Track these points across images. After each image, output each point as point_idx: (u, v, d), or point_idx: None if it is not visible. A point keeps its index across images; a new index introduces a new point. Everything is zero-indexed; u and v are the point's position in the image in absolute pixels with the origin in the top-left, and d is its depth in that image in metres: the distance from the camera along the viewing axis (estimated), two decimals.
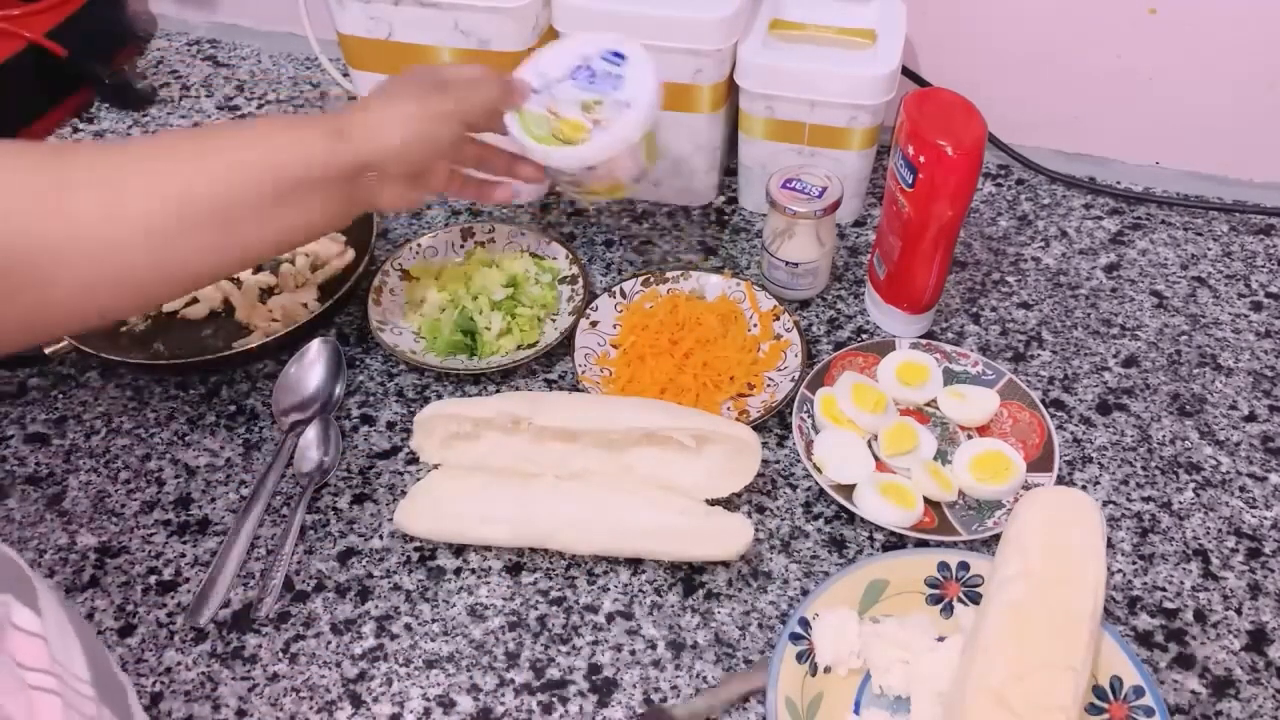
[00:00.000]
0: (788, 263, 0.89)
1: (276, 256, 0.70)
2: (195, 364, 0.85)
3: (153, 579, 0.74)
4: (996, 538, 0.72)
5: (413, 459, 0.81)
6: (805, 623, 0.67)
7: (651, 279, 0.91)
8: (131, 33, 1.25)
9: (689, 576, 0.73)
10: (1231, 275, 0.95)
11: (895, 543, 0.75)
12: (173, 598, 0.73)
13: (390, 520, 0.77)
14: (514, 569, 0.74)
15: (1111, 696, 0.64)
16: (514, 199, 0.86)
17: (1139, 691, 0.64)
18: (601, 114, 0.76)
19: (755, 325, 0.88)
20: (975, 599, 0.70)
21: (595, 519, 0.72)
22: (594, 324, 0.88)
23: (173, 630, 0.71)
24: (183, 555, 0.75)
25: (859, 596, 0.70)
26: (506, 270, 0.90)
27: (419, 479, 0.77)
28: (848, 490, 0.76)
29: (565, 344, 0.86)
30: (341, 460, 0.81)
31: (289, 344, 0.86)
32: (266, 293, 0.93)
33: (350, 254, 0.95)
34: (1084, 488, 0.79)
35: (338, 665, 0.69)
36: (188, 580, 0.74)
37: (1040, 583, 0.64)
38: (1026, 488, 0.76)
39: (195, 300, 0.91)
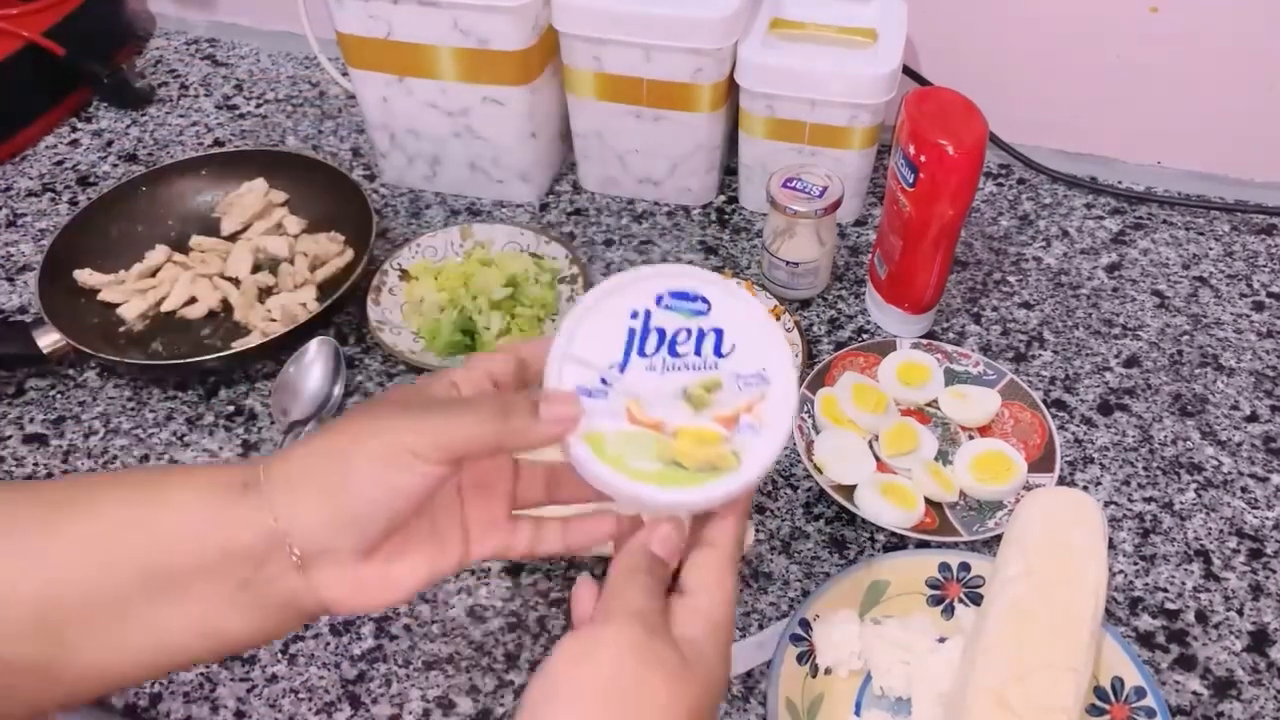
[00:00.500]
0: (788, 262, 0.89)
1: (131, 685, 0.50)
2: (194, 364, 0.85)
3: None
4: (997, 538, 0.71)
5: None
6: (806, 624, 0.67)
7: None
8: (130, 32, 1.25)
9: None
10: (1233, 275, 0.95)
11: (896, 543, 0.75)
12: None
13: None
14: (514, 569, 0.74)
15: (1113, 697, 0.64)
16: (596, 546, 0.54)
17: (1140, 692, 0.64)
18: (724, 400, 0.47)
19: None
20: (976, 600, 0.69)
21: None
22: None
23: None
24: None
25: (860, 597, 0.69)
26: (506, 270, 0.90)
27: None
28: (848, 491, 0.76)
29: None
30: None
31: (288, 344, 0.86)
32: (265, 293, 0.92)
33: (349, 254, 0.95)
34: (1085, 488, 0.79)
35: (337, 666, 0.69)
36: None
37: (1041, 583, 0.63)
38: (1028, 488, 0.76)
39: (194, 300, 0.91)
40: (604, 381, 0.46)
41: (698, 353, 0.47)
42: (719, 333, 0.48)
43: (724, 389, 0.47)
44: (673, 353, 0.47)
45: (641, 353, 0.47)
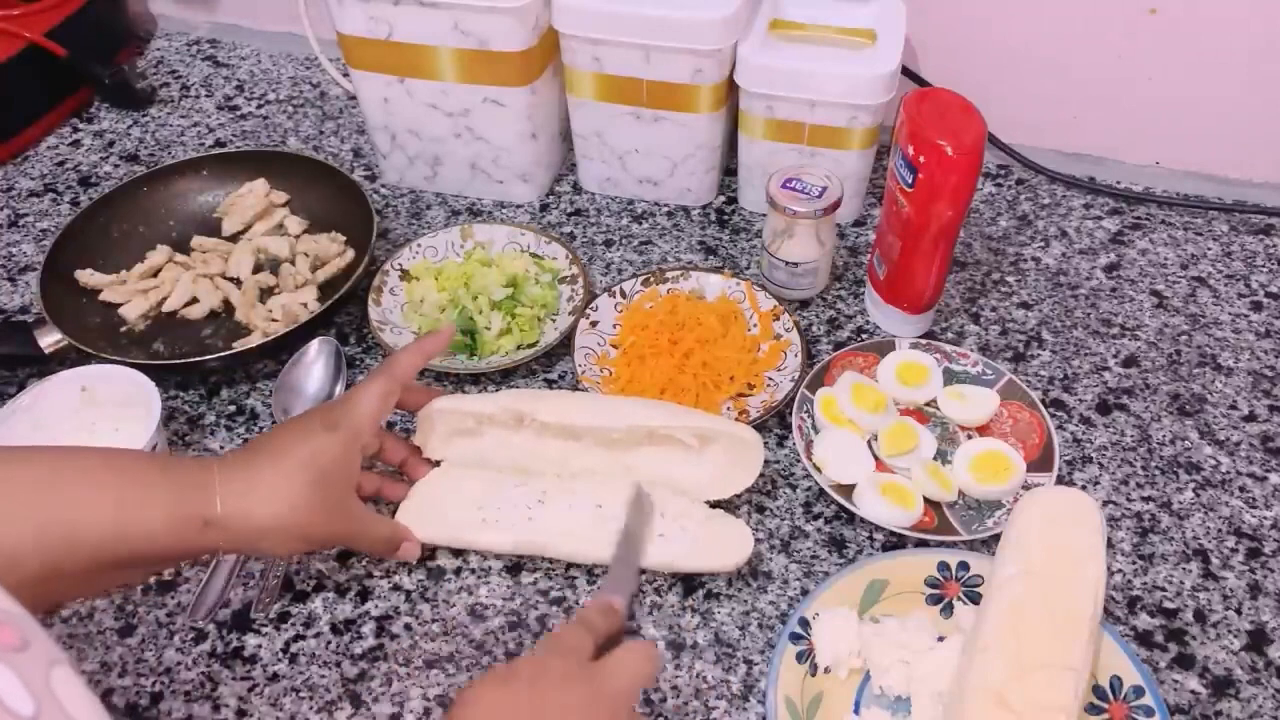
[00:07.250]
0: (788, 263, 0.89)
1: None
2: (196, 364, 0.85)
3: (152, 579, 0.74)
4: (996, 538, 0.72)
5: None
6: (805, 623, 0.67)
7: (651, 279, 0.91)
8: (131, 33, 1.25)
9: (689, 577, 0.73)
10: (1231, 275, 0.95)
11: (895, 543, 0.75)
12: (173, 598, 0.73)
13: None
14: (514, 569, 0.74)
15: (1111, 696, 0.64)
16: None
17: (1139, 691, 0.64)
18: None
19: (755, 325, 0.88)
20: (975, 599, 0.70)
21: (594, 529, 0.71)
22: (594, 324, 0.88)
23: (173, 630, 0.71)
24: None
25: (859, 596, 0.70)
26: (506, 270, 0.90)
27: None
28: (848, 490, 0.76)
29: (565, 344, 0.86)
30: None
31: (289, 344, 0.86)
32: (266, 293, 0.93)
33: (350, 254, 0.95)
34: (1084, 488, 0.79)
35: (338, 665, 0.69)
36: (188, 580, 0.74)
37: (1040, 582, 0.64)
38: (1026, 488, 0.76)
39: (195, 300, 0.92)
40: None
41: None
42: None
43: None
44: None
45: None
